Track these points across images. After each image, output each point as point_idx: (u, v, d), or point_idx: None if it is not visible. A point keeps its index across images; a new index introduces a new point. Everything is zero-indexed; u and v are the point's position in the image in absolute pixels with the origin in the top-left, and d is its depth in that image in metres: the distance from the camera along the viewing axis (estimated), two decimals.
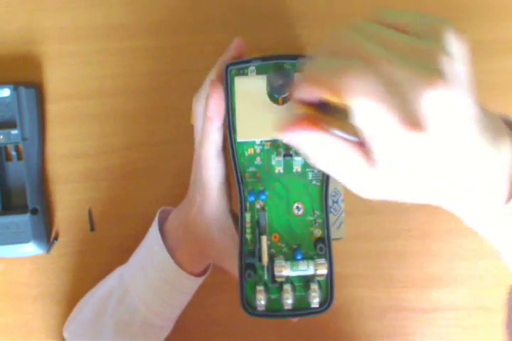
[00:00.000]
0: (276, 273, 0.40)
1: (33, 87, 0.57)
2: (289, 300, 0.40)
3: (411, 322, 0.59)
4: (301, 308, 0.41)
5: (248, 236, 0.41)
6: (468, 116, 0.28)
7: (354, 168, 0.30)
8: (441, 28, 0.29)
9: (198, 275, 0.49)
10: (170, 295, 0.49)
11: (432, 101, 0.27)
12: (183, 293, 0.51)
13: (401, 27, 0.30)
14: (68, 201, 0.58)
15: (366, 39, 0.29)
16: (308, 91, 0.29)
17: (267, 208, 0.41)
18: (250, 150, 0.41)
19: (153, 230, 0.49)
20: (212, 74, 0.43)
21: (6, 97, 0.56)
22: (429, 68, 0.27)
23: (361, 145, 0.30)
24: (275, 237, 0.41)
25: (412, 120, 0.27)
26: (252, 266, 0.41)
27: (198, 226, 0.45)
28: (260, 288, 0.40)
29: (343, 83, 0.27)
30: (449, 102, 0.27)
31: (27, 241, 0.55)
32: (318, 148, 0.30)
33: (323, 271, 0.40)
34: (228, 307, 0.58)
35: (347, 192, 0.46)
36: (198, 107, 0.44)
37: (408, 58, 0.28)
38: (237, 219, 0.45)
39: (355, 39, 0.29)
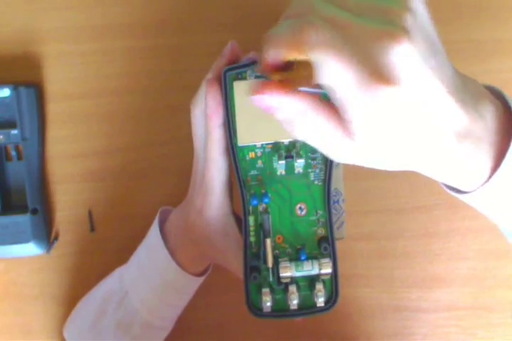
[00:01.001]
0: (282, 275, 0.40)
1: (32, 87, 0.57)
2: (294, 301, 0.40)
3: (411, 322, 0.59)
4: (307, 307, 0.41)
5: (252, 239, 0.41)
6: (436, 73, 0.28)
7: (327, 130, 0.30)
8: None
9: (198, 275, 0.49)
10: (170, 295, 0.49)
11: (397, 56, 0.27)
12: (183, 293, 0.51)
13: None
14: (68, 201, 0.58)
15: (324, 2, 0.28)
16: (273, 54, 0.29)
17: (269, 210, 0.41)
18: (251, 154, 0.41)
19: (154, 230, 0.49)
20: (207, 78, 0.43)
21: (6, 97, 0.56)
22: (393, 24, 0.27)
23: (335, 112, 0.29)
24: (279, 238, 0.41)
25: (380, 74, 0.27)
26: (256, 269, 0.41)
27: (198, 227, 0.45)
28: (266, 290, 0.40)
29: (305, 36, 0.27)
30: (415, 57, 0.27)
31: (27, 241, 0.55)
32: (290, 111, 0.30)
33: (327, 270, 0.40)
34: (228, 308, 0.58)
35: (348, 191, 0.46)
36: (195, 112, 0.44)
37: (369, 17, 0.27)
38: (238, 219, 0.45)
39: (313, 2, 0.29)
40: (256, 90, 0.30)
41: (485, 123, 0.30)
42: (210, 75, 0.42)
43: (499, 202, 0.33)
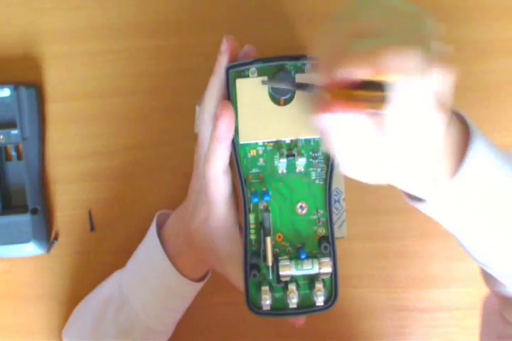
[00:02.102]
0: (281, 273, 0.40)
1: (33, 87, 0.57)
2: (294, 299, 0.40)
3: (411, 322, 0.59)
4: (306, 306, 0.41)
5: (252, 237, 0.41)
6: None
7: (365, 142, 0.31)
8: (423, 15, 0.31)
9: (198, 280, 0.49)
10: (170, 300, 0.49)
11: (449, 83, 0.28)
12: (183, 297, 0.50)
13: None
14: (68, 201, 0.58)
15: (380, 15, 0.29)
16: (348, 72, 0.28)
17: (270, 208, 0.41)
18: (253, 152, 0.41)
19: (152, 235, 0.49)
20: (214, 81, 0.42)
21: (6, 97, 0.56)
22: (441, 54, 0.28)
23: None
24: (279, 237, 0.41)
25: (442, 101, 0.29)
26: (256, 266, 0.41)
27: (201, 236, 0.45)
28: (265, 288, 0.40)
29: (391, 61, 0.27)
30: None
31: (27, 241, 0.55)
32: (343, 129, 0.30)
33: (327, 269, 0.40)
34: (228, 308, 0.58)
35: (348, 191, 0.46)
36: (203, 116, 0.43)
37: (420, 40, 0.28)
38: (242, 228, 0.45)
39: (373, 16, 0.29)
40: (322, 109, 0.29)
41: (451, 138, 0.33)
42: (216, 78, 0.42)
43: (454, 211, 0.35)
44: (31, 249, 0.56)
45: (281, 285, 0.41)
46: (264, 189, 0.41)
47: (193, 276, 0.49)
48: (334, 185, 0.42)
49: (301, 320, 0.44)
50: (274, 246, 0.41)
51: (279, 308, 0.41)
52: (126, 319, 0.50)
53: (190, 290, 0.50)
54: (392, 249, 0.59)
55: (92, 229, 0.58)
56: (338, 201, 0.45)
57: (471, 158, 0.33)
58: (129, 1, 0.59)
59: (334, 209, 0.43)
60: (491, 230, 0.37)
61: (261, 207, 0.41)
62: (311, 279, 0.41)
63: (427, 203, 0.35)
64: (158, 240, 0.48)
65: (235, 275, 0.43)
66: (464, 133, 0.34)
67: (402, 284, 0.59)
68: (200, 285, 0.50)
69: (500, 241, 0.37)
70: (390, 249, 0.59)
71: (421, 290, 0.59)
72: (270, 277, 0.41)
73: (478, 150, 0.33)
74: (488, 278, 0.44)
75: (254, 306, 0.41)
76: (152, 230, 0.49)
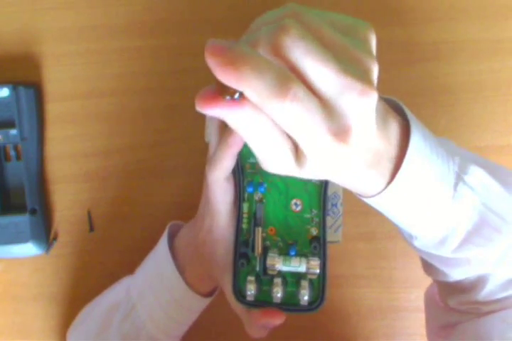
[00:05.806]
0: (268, 266, 0.40)
1: (32, 87, 0.57)
2: (278, 294, 0.40)
3: (411, 322, 0.59)
4: (290, 304, 0.41)
5: (244, 227, 0.42)
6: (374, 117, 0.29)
7: (280, 157, 0.30)
8: (367, 32, 0.29)
9: (207, 294, 0.49)
10: (178, 313, 0.49)
11: (363, 111, 0.27)
12: (191, 311, 0.50)
13: (329, 22, 0.29)
14: (67, 201, 0.58)
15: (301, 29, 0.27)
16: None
17: (265, 201, 0.41)
18: None
19: (163, 246, 0.48)
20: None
21: (5, 97, 0.56)
22: (365, 78, 0.27)
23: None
24: (271, 230, 0.41)
25: (341, 130, 0.27)
26: (245, 256, 0.41)
27: (206, 247, 0.45)
28: (251, 278, 0.40)
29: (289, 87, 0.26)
30: (372, 110, 0.28)
31: (26, 242, 0.55)
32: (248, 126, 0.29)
33: (315, 269, 0.40)
34: (228, 308, 0.58)
35: (346, 193, 0.46)
36: (213, 125, 0.43)
37: (344, 61, 0.27)
38: None
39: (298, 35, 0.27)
40: (205, 103, 0.28)
41: (388, 141, 0.32)
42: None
43: (396, 206, 0.35)
44: (30, 249, 0.56)
45: (268, 278, 0.41)
46: (260, 180, 0.42)
47: (201, 290, 0.48)
48: (332, 189, 0.42)
49: (276, 320, 0.42)
50: (265, 239, 0.41)
51: (263, 301, 0.41)
52: (131, 327, 0.49)
53: (197, 304, 0.49)
54: (392, 249, 0.59)
55: (92, 229, 0.58)
56: (336, 205, 0.45)
57: (408, 163, 0.32)
58: (129, 1, 0.59)
59: (331, 213, 0.43)
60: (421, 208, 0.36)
61: (256, 197, 0.42)
62: (299, 278, 0.41)
63: (370, 199, 0.35)
64: (168, 252, 0.47)
65: (229, 287, 0.43)
66: (405, 128, 0.33)
67: (402, 284, 0.59)
68: (207, 300, 0.49)
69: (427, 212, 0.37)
70: (390, 248, 0.59)
71: (421, 291, 0.58)
72: (257, 268, 0.41)
73: (416, 149, 0.33)
74: (428, 268, 0.44)
75: (240, 294, 0.41)
76: (163, 241, 0.49)
